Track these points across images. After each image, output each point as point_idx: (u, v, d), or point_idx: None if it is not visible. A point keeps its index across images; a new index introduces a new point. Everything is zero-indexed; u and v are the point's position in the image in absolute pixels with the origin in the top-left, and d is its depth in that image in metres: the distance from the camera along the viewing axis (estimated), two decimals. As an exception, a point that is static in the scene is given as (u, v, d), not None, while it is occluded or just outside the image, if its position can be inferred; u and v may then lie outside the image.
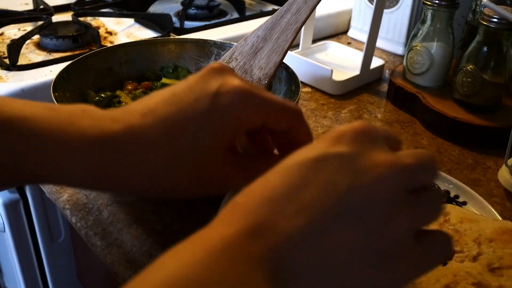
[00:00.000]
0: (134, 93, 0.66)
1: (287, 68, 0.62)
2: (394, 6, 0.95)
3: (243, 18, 1.00)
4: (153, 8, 1.05)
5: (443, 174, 0.58)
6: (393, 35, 0.98)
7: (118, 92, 0.65)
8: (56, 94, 0.55)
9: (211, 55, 0.69)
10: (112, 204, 0.56)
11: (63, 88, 0.58)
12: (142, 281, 0.24)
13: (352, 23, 1.05)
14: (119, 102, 0.64)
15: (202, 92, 0.35)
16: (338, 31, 1.08)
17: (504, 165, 0.61)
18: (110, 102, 0.63)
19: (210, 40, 0.69)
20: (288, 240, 0.26)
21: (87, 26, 0.88)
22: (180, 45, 0.69)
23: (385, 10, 0.95)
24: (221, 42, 0.69)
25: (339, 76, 0.83)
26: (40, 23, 0.87)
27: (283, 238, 0.26)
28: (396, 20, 0.96)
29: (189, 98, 0.35)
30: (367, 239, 0.27)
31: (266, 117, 0.35)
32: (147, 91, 0.67)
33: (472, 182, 0.63)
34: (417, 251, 0.29)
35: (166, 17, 0.92)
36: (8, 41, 0.81)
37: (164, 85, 0.67)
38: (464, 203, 0.55)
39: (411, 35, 0.80)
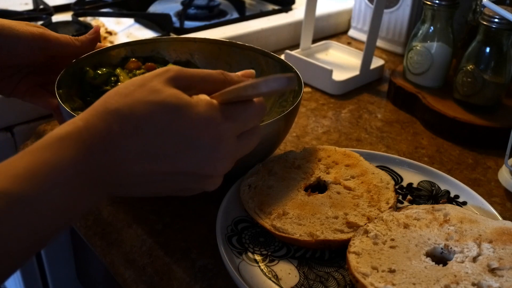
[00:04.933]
0: (134, 73, 0.63)
1: (290, 68, 0.62)
2: (394, 6, 0.95)
3: (243, 18, 1.00)
4: (153, 8, 1.05)
5: (443, 174, 0.58)
6: (393, 35, 0.98)
7: (117, 71, 0.63)
8: (60, 91, 0.55)
9: (222, 56, 0.68)
10: (112, 204, 0.56)
11: (67, 86, 0.58)
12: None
13: (352, 23, 1.05)
14: (117, 82, 0.62)
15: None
16: (338, 31, 1.08)
17: (504, 165, 0.61)
18: (108, 80, 0.62)
19: (221, 40, 0.69)
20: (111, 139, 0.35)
21: (87, 26, 0.88)
22: (197, 44, 0.69)
23: (385, 10, 0.94)
24: (237, 43, 0.68)
25: (339, 76, 0.83)
26: (40, 23, 0.87)
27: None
28: (396, 20, 0.96)
29: None
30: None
31: None
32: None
33: (472, 182, 0.63)
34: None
35: (166, 17, 0.92)
36: (8, 41, 0.81)
37: None
38: (464, 203, 0.55)
39: (411, 35, 0.80)
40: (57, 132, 0.35)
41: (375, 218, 0.49)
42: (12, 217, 0.31)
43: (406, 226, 0.48)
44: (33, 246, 0.33)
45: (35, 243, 0.33)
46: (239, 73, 0.44)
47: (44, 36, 0.53)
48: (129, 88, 0.37)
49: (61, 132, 0.35)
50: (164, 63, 0.67)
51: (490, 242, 0.45)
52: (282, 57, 0.88)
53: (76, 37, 0.57)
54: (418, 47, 0.78)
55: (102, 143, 0.35)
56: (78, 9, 0.94)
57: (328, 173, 0.56)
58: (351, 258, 0.44)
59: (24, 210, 0.31)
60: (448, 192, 0.56)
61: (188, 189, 0.41)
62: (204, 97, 0.38)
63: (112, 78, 0.62)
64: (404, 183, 0.58)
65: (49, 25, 0.87)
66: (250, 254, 0.48)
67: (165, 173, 0.37)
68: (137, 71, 0.64)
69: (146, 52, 0.67)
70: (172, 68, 0.39)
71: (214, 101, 0.38)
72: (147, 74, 0.39)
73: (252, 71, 0.45)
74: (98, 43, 0.61)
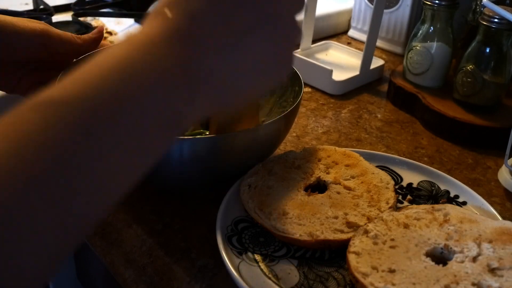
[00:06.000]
0: None
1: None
2: (394, 6, 0.95)
3: (243, 18, 1.00)
4: (153, 8, 1.05)
5: (443, 174, 0.58)
6: (393, 35, 0.98)
7: None
8: None
9: None
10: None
11: None
12: (87, 67, 0.28)
13: (352, 23, 1.05)
14: None
15: None
16: (338, 31, 1.08)
17: (504, 165, 0.61)
18: None
19: None
20: (205, 46, 0.31)
21: (87, 26, 0.88)
22: None
23: (385, 10, 0.94)
24: None
25: (339, 76, 0.83)
26: (40, 23, 0.87)
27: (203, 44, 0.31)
28: (396, 20, 0.96)
29: None
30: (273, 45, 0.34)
31: None
32: None
33: (472, 182, 0.63)
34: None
35: (166, 17, 0.92)
36: (8, 41, 0.81)
37: None
38: (464, 203, 0.55)
39: (411, 35, 0.80)
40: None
41: (375, 218, 0.49)
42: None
43: (406, 226, 0.48)
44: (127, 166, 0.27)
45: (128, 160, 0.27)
46: None
47: (46, 33, 0.53)
48: None
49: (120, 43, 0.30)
50: None
51: (490, 242, 0.45)
52: (282, 57, 0.87)
53: (79, 35, 0.57)
54: (418, 47, 0.78)
55: (170, 30, 0.30)
56: (78, 9, 0.94)
57: (328, 173, 0.56)
58: (351, 258, 0.45)
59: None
60: (448, 192, 0.56)
61: (275, 53, 0.35)
62: None
63: None
64: (404, 183, 0.58)
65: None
66: (250, 254, 0.48)
67: (244, 18, 0.33)
68: None
69: None
70: None
71: None
72: None
73: None
74: (101, 43, 0.61)
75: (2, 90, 0.58)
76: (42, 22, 0.55)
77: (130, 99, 0.27)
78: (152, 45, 0.29)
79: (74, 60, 0.59)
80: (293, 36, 0.36)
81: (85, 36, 0.58)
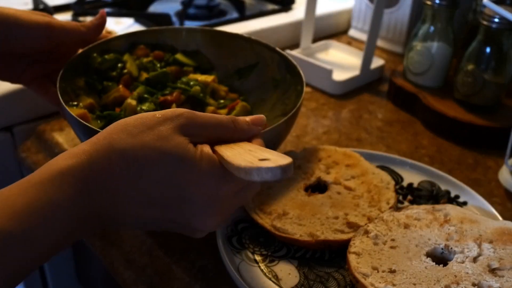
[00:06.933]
0: (141, 61, 0.63)
1: (294, 67, 0.62)
2: (394, 6, 0.95)
3: (243, 17, 0.99)
4: (153, 8, 1.05)
5: (444, 174, 0.58)
6: (393, 35, 0.98)
7: (125, 57, 0.62)
8: (63, 84, 0.55)
9: (229, 47, 0.68)
10: (112, 204, 0.56)
11: (70, 79, 0.57)
12: None
13: (353, 23, 1.05)
14: (123, 69, 0.61)
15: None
16: (338, 31, 1.08)
17: (504, 165, 0.61)
18: (115, 66, 0.61)
19: (226, 32, 0.68)
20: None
21: (87, 25, 0.88)
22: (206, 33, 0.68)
23: (385, 10, 0.94)
24: (243, 36, 0.67)
25: (340, 75, 0.83)
26: (40, 22, 0.87)
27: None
28: (396, 20, 0.96)
29: None
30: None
31: None
32: (157, 61, 0.64)
33: (473, 182, 0.62)
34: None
35: (166, 17, 0.92)
36: (8, 41, 0.81)
37: (176, 61, 0.64)
38: (465, 203, 0.55)
39: (411, 35, 0.80)
40: (60, 165, 0.35)
41: (376, 218, 0.49)
42: (7, 255, 0.31)
43: (406, 226, 0.48)
44: (23, 275, 0.34)
45: (25, 272, 0.34)
46: (248, 118, 0.42)
47: (50, 25, 0.53)
48: (138, 128, 0.37)
49: (63, 166, 0.35)
50: (172, 51, 0.66)
51: (491, 242, 0.45)
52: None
53: (82, 23, 0.57)
54: (418, 47, 0.78)
55: (103, 183, 0.35)
56: (78, 9, 0.94)
57: (328, 173, 0.56)
58: (352, 258, 0.44)
59: (22, 247, 0.32)
60: (448, 192, 0.56)
61: (177, 231, 0.41)
62: (207, 150, 0.37)
63: (119, 65, 0.62)
64: (405, 183, 0.58)
65: (49, 25, 0.87)
66: (250, 254, 0.47)
67: (157, 218, 0.38)
68: (145, 59, 0.64)
69: (152, 41, 0.67)
70: (184, 113, 0.38)
71: (216, 159, 0.37)
72: (159, 115, 0.38)
73: (263, 117, 0.42)
74: (103, 33, 0.61)
75: (5, 81, 0.57)
76: (46, 14, 0.54)
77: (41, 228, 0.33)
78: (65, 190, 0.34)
79: (80, 50, 0.59)
80: (198, 234, 0.40)
81: (88, 23, 0.58)
